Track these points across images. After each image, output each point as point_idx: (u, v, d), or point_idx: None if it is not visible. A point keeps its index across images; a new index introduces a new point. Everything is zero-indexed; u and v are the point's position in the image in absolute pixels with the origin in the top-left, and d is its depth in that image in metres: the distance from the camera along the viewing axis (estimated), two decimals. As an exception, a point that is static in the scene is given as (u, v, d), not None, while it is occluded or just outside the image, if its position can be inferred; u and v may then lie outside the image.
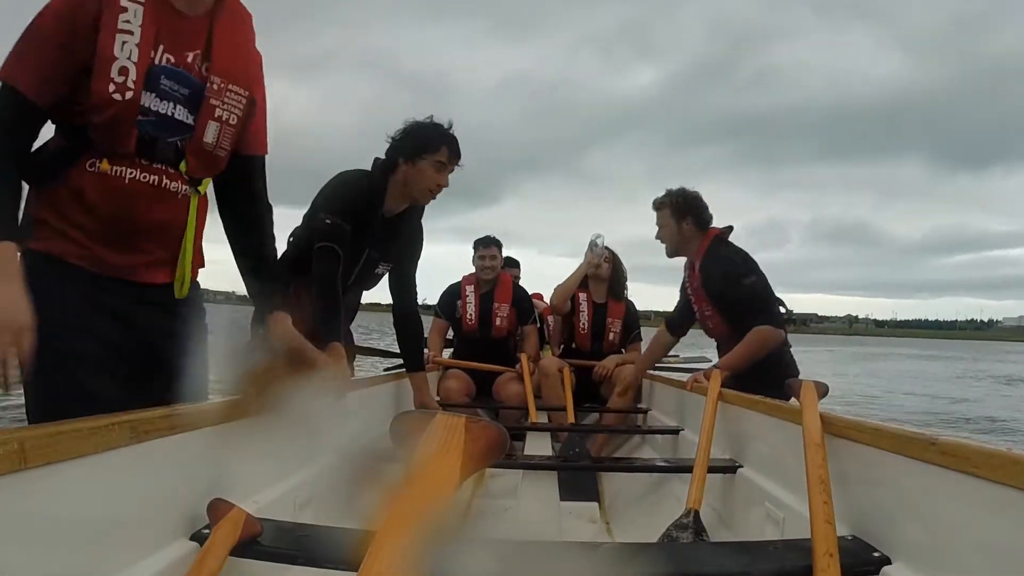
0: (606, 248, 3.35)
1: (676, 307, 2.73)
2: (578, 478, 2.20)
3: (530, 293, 3.86)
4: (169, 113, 1.14)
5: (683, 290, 2.65)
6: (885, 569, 0.92)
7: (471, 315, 3.39)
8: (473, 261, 3.46)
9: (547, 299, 4.51)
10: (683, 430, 2.41)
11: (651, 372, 3.19)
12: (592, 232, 3.25)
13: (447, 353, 3.52)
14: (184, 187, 1.19)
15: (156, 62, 1.10)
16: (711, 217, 2.49)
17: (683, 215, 2.46)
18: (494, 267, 3.41)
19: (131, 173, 1.12)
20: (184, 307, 1.26)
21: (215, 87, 1.18)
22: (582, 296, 3.39)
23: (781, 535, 1.27)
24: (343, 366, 1.54)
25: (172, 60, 1.13)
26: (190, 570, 0.83)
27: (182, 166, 1.18)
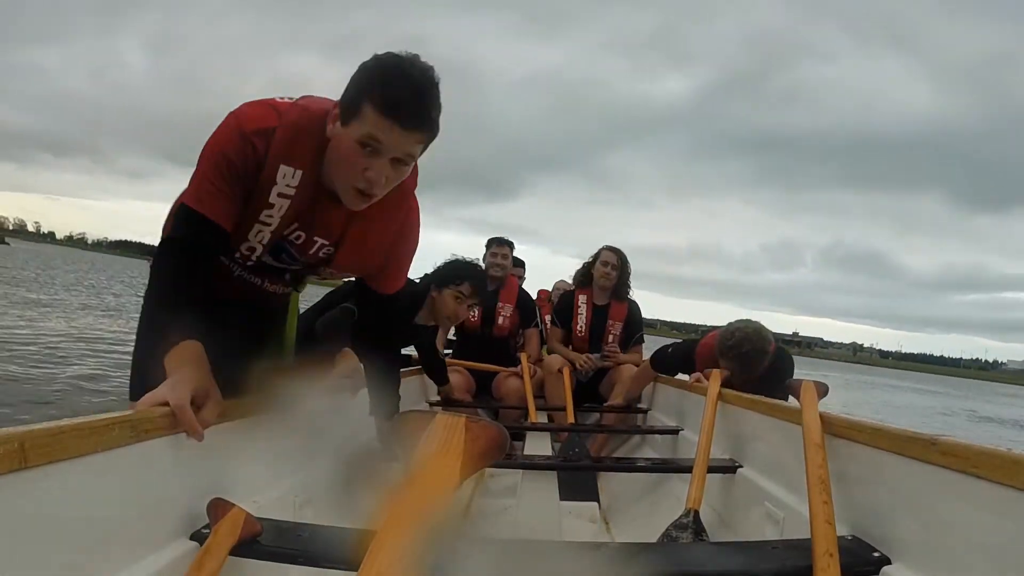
0: (612, 251, 3.33)
1: (672, 359, 2.76)
2: (578, 478, 2.20)
3: (540, 290, 3.92)
4: (277, 265, 1.28)
5: (692, 355, 2.62)
6: (885, 569, 0.92)
7: (475, 312, 3.41)
8: (484, 258, 3.52)
9: (551, 294, 4.56)
10: (683, 430, 2.41)
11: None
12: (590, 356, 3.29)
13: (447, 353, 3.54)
14: (286, 289, 1.37)
15: (286, 235, 1.19)
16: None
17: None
18: (504, 266, 3.49)
19: (238, 271, 1.28)
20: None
21: (326, 272, 1.32)
22: (582, 297, 3.34)
23: (781, 535, 1.27)
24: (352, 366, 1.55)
25: (303, 237, 1.20)
26: (190, 570, 0.83)
27: (287, 275, 1.34)
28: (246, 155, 1.08)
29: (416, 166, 1.19)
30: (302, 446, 1.31)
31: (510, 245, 3.53)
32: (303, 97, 1.15)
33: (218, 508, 0.93)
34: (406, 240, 1.33)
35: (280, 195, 1.11)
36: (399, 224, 1.28)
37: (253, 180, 1.10)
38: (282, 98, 1.14)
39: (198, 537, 0.93)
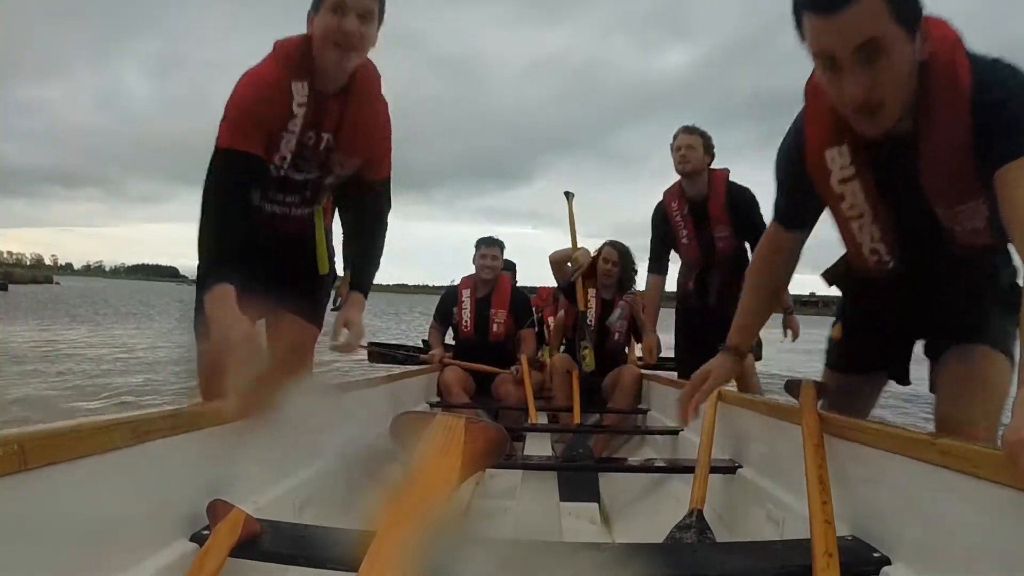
0: (614, 247, 3.38)
1: (653, 251, 3.03)
2: (578, 478, 2.20)
3: (540, 287, 3.91)
4: (302, 179, 1.51)
5: (661, 228, 2.98)
6: (885, 569, 0.92)
7: (467, 321, 3.41)
8: (474, 260, 3.48)
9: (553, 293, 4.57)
10: (683, 430, 2.40)
11: (650, 373, 3.19)
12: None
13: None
14: (308, 208, 1.59)
15: (303, 141, 1.44)
16: None
17: (709, 151, 2.86)
18: (495, 267, 3.45)
19: (269, 208, 1.53)
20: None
21: (338, 161, 1.51)
22: (591, 293, 3.39)
23: (781, 535, 1.27)
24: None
25: (313, 138, 1.46)
26: (190, 571, 0.83)
27: (307, 191, 1.55)
28: (267, 94, 1.35)
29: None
30: (302, 447, 1.31)
31: (500, 245, 3.48)
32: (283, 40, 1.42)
33: (218, 509, 0.93)
34: (383, 122, 1.56)
35: (298, 104, 1.39)
36: (375, 108, 1.53)
37: (277, 104, 1.37)
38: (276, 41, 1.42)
39: (198, 538, 0.93)
